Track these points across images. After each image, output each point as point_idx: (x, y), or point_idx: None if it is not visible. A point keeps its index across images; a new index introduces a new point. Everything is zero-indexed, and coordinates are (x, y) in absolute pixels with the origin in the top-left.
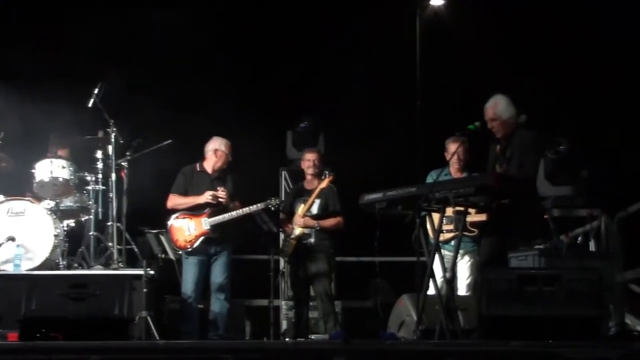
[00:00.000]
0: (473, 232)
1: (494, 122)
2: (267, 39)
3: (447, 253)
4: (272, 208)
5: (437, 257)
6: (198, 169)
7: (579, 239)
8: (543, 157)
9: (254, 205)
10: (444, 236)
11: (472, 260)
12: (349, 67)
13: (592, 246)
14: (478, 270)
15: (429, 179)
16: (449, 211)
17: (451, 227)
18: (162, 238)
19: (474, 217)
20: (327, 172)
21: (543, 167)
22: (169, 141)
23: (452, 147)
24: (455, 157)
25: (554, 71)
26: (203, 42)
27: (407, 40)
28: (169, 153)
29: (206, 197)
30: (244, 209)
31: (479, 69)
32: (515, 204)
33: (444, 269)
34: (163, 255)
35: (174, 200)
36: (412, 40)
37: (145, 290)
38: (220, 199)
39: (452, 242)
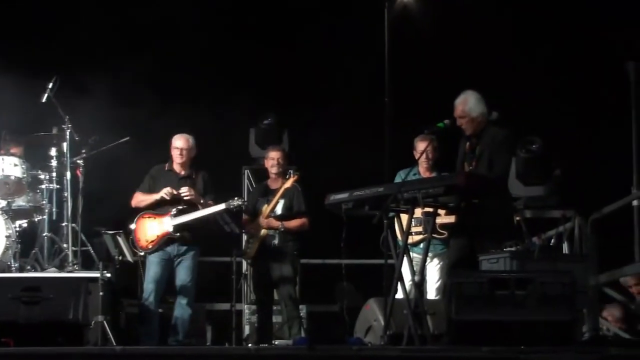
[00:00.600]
0: (443, 234)
1: (462, 119)
2: (230, 33)
3: (416, 256)
4: (234, 209)
5: (405, 259)
6: (166, 169)
7: (552, 241)
8: (515, 156)
9: (215, 206)
10: (412, 238)
11: (441, 263)
12: (315, 61)
13: (565, 248)
14: (447, 274)
15: (397, 179)
16: (418, 212)
17: (420, 228)
18: (120, 239)
19: (443, 218)
20: (291, 171)
21: (515, 167)
22: (127, 138)
23: (420, 145)
24: (424, 156)
25: (527, 66)
26: (164, 36)
27: (375, 35)
28: (127, 151)
29: (162, 193)
30: (206, 210)
31: (449, 65)
32: (485, 204)
33: (413, 272)
34: (120, 258)
35: (137, 198)
36: (380, 34)
37: (101, 293)
38: (184, 196)
39: (422, 245)
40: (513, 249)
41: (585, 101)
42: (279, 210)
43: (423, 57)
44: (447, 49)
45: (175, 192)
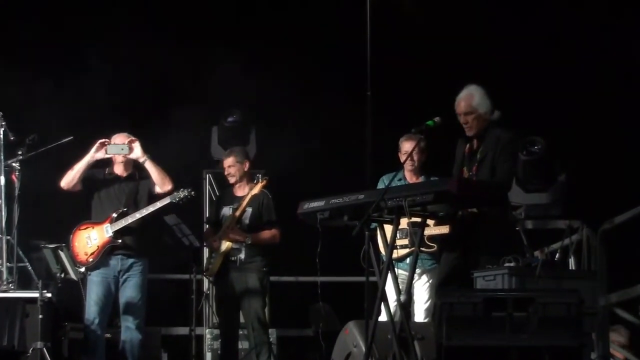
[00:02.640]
0: (432, 247)
1: (468, 116)
2: (192, 15)
3: (401, 272)
4: (180, 202)
5: (390, 276)
6: (107, 172)
7: (556, 255)
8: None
9: (158, 202)
10: (397, 252)
11: (431, 280)
12: (288, 51)
13: (571, 264)
14: (437, 293)
15: (381, 185)
16: (404, 223)
17: (406, 241)
18: (62, 254)
19: (433, 229)
20: (259, 175)
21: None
22: (70, 138)
23: (406, 146)
24: (408, 159)
25: (526, 57)
26: (112, 23)
27: (356, 19)
28: (70, 152)
29: (95, 146)
30: (147, 208)
31: (440, 55)
32: (482, 214)
33: (399, 291)
34: (63, 275)
35: (65, 177)
36: (362, 19)
37: (40, 316)
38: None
39: (408, 260)
40: (512, 264)
41: (594, 96)
42: (245, 220)
43: (410, 45)
44: (438, 36)
45: (103, 141)
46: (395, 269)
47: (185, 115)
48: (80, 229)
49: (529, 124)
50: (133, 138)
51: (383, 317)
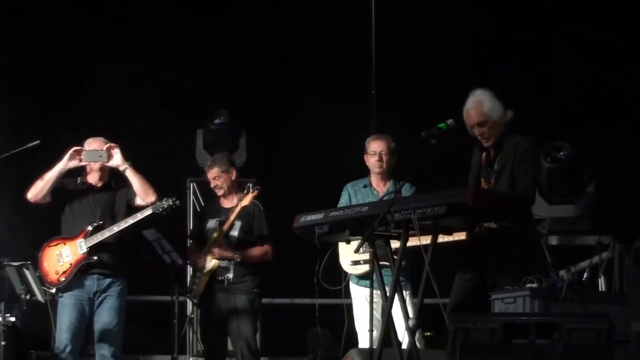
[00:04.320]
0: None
1: (482, 127)
2: (175, 10)
3: (365, 290)
4: (163, 212)
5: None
6: (79, 181)
7: (584, 275)
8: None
9: (138, 213)
10: (357, 269)
11: (407, 293)
12: (283, 47)
13: (601, 285)
14: (450, 317)
15: (345, 194)
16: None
17: (366, 256)
18: (27, 273)
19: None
20: (250, 185)
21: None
22: (37, 142)
23: (373, 146)
24: (375, 161)
25: (548, 52)
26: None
27: (359, 13)
28: (37, 157)
29: (68, 153)
30: (127, 220)
31: (446, 54)
32: (502, 229)
33: (406, 315)
34: (28, 296)
35: (33, 187)
36: (365, 13)
37: (3, 343)
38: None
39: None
40: (534, 285)
41: (626, 97)
42: (234, 234)
43: (418, 43)
44: (447, 33)
45: (79, 148)
46: (356, 287)
47: (167, 116)
48: (50, 245)
49: (552, 128)
50: (112, 144)
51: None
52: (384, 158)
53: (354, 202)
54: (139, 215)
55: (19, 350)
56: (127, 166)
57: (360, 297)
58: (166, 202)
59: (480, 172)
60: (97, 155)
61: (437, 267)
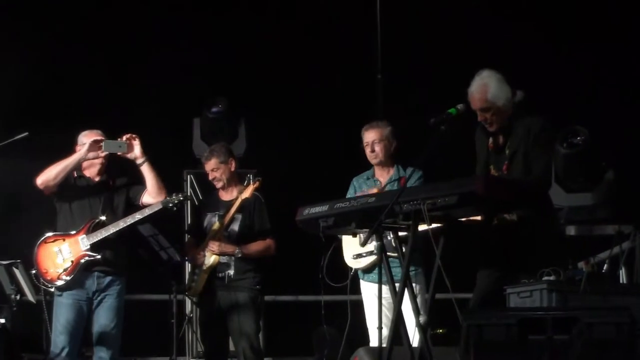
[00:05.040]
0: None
1: (486, 112)
2: None
3: (370, 285)
4: (173, 208)
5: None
6: (75, 176)
7: (604, 266)
8: (553, 153)
9: (147, 209)
10: (360, 262)
11: (419, 287)
12: (284, 27)
13: (622, 277)
14: (463, 314)
15: (351, 190)
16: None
17: (369, 248)
18: (17, 272)
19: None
20: (250, 176)
21: (553, 167)
22: (25, 134)
23: (367, 136)
24: (369, 151)
25: (557, 33)
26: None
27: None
28: (26, 150)
29: (87, 144)
30: (134, 215)
31: (456, 35)
32: (522, 219)
33: (417, 311)
34: (19, 297)
35: (45, 174)
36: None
37: None
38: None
39: (376, 270)
40: (551, 278)
41: None
42: (234, 229)
43: (426, 24)
44: (457, 13)
45: (100, 138)
46: (364, 282)
47: (161, 104)
48: (46, 242)
49: (567, 111)
50: (133, 135)
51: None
52: (377, 148)
53: None
54: (148, 211)
55: (10, 354)
56: (145, 159)
57: (369, 294)
58: (176, 198)
59: (489, 158)
60: (117, 146)
61: (450, 260)
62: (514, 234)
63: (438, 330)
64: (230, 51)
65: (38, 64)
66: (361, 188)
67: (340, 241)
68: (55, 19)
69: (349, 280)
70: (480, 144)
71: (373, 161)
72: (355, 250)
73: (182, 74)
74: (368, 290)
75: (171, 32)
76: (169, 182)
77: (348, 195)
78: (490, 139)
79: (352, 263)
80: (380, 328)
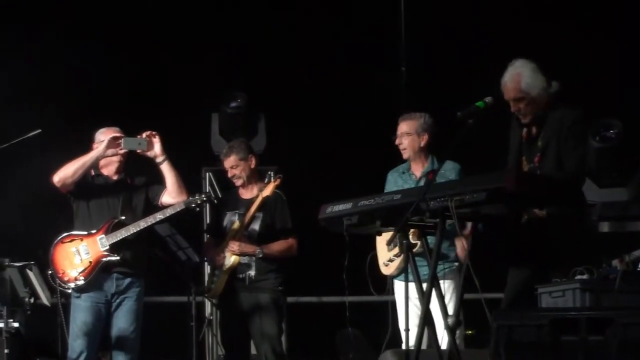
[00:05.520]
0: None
1: (519, 102)
2: None
3: (401, 284)
4: (196, 208)
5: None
6: (92, 174)
7: (639, 264)
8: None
9: (169, 209)
10: (389, 268)
11: (453, 284)
12: (305, 19)
13: None
14: (493, 314)
15: (389, 185)
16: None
17: (396, 250)
18: (31, 274)
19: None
20: (271, 173)
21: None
22: (38, 131)
23: (401, 128)
24: (398, 140)
25: (589, 22)
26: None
27: None
28: (39, 148)
29: (105, 141)
30: (155, 215)
31: (482, 24)
32: (553, 216)
33: (445, 312)
34: (32, 300)
35: (63, 171)
36: None
37: (6, 351)
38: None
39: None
40: (584, 276)
41: None
42: (255, 228)
43: (451, 12)
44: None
45: (118, 135)
46: (398, 281)
47: (178, 100)
48: (63, 242)
49: (600, 103)
50: (153, 132)
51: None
52: (404, 141)
53: None
54: (170, 211)
55: (24, 359)
56: (165, 158)
57: (401, 294)
58: (199, 198)
59: (521, 150)
60: (136, 143)
61: (480, 258)
62: (544, 231)
63: (467, 332)
64: (249, 44)
65: (54, 59)
66: (397, 183)
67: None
68: (72, 14)
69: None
70: (514, 135)
71: (403, 154)
72: (386, 256)
73: (199, 68)
74: (400, 290)
75: (189, 26)
76: (187, 180)
77: (386, 191)
78: (524, 130)
79: (384, 270)
80: (407, 330)
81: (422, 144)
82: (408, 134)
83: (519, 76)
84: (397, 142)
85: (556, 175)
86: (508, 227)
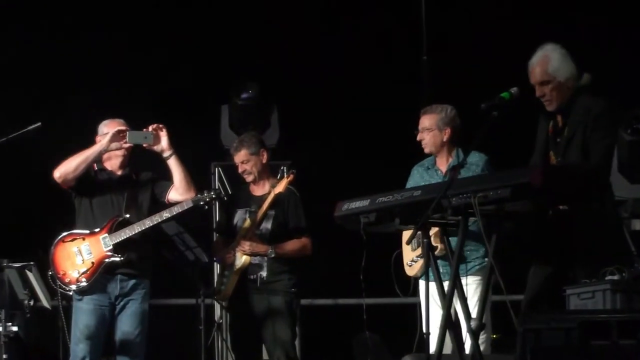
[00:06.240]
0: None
1: (545, 86)
2: None
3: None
4: (205, 206)
5: (434, 297)
6: (95, 168)
7: None
8: (616, 140)
9: (176, 207)
10: (413, 269)
11: (479, 286)
12: (320, 7)
13: None
14: (519, 317)
15: (412, 180)
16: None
17: (419, 251)
18: (31, 275)
19: None
20: (284, 169)
21: (616, 155)
22: (38, 124)
23: (424, 122)
24: (431, 138)
25: (623, 8)
26: None
27: None
28: (39, 142)
29: (109, 135)
30: (162, 214)
31: (508, 8)
32: (577, 212)
33: (468, 315)
34: (32, 302)
35: (63, 166)
36: None
37: (5, 356)
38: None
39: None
40: (615, 277)
41: None
42: (267, 226)
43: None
44: None
45: (123, 128)
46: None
47: (186, 91)
48: (64, 241)
49: (631, 94)
50: (160, 125)
51: (448, 349)
52: (426, 136)
53: None
54: (177, 209)
55: None
56: (173, 152)
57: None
58: (208, 195)
59: (548, 144)
60: (142, 137)
61: (505, 258)
62: (568, 226)
63: (492, 336)
64: (261, 32)
65: (53, 47)
66: (422, 178)
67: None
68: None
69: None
70: (541, 130)
71: (425, 150)
72: (410, 256)
73: (209, 57)
74: (424, 289)
75: (198, 12)
76: (195, 176)
77: (408, 186)
78: (551, 123)
79: (408, 270)
80: (428, 334)
81: (445, 138)
82: (429, 130)
83: (547, 58)
84: (418, 138)
85: (581, 167)
86: (533, 224)
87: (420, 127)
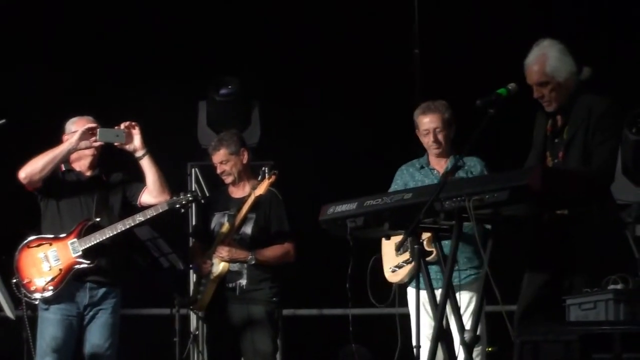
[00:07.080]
0: (430, 253)
1: (543, 88)
2: None
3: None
4: (181, 209)
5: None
6: (63, 169)
7: None
8: (620, 140)
9: (151, 210)
10: (397, 275)
11: (474, 296)
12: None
13: None
14: (517, 328)
15: (399, 179)
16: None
17: (407, 256)
18: None
19: None
20: (265, 169)
21: (620, 157)
22: (2, 121)
23: (424, 122)
24: (431, 137)
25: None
26: None
27: None
28: (3, 140)
29: (78, 133)
30: (134, 217)
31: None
32: (576, 217)
33: (461, 327)
34: None
35: (29, 166)
36: None
37: None
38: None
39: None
40: (618, 286)
41: None
42: (247, 231)
43: None
44: None
45: (93, 126)
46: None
47: (162, 86)
48: (29, 247)
49: (635, 92)
50: (132, 122)
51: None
52: (440, 136)
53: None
54: (152, 212)
55: None
56: (146, 152)
57: (414, 303)
58: (184, 198)
59: (546, 144)
60: (113, 135)
61: (501, 266)
62: (566, 232)
63: (488, 349)
64: (242, 23)
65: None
66: (414, 178)
67: (379, 252)
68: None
69: (393, 294)
70: (538, 129)
71: (434, 151)
72: (394, 261)
73: (185, 50)
74: (414, 300)
75: (174, 2)
76: (170, 177)
77: (393, 186)
78: (549, 122)
79: (391, 277)
80: (418, 347)
81: (451, 136)
82: (443, 129)
83: (544, 57)
84: (428, 139)
85: (582, 171)
86: (529, 228)
87: (428, 128)
